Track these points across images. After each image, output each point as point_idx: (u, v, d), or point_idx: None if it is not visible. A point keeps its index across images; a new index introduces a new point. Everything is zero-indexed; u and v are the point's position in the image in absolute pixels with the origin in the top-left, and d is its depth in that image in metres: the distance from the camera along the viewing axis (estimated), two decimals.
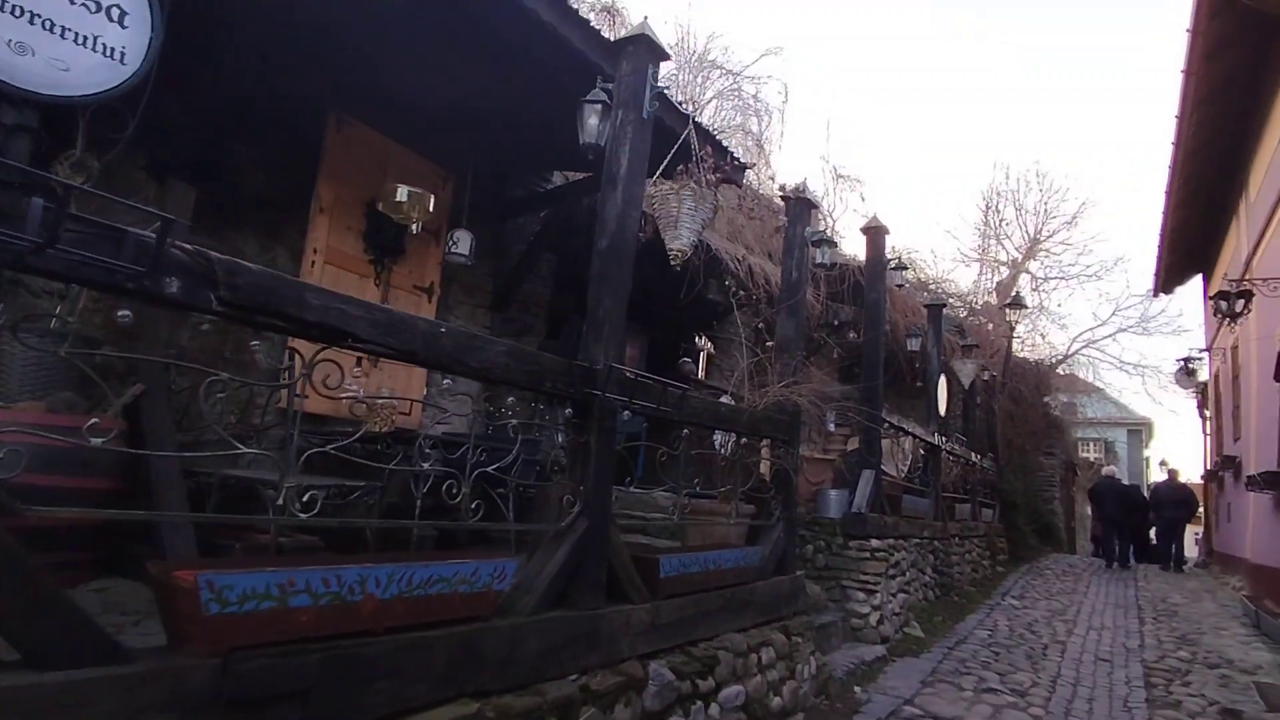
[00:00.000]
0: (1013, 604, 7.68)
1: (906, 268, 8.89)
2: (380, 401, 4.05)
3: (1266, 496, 7.47)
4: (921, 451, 8.44)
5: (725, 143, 5.03)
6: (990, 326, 15.55)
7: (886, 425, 7.15)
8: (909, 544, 6.79)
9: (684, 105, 4.42)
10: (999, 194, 18.21)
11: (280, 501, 1.78)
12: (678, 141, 3.67)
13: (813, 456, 7.02)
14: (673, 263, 3.42)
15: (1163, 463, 25.71)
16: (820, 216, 11.88)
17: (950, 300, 14.08)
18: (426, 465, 2.19)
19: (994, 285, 17.67)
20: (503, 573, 2.24)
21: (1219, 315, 8.21)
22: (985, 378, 11.32)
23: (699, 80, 8.60)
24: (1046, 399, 16.82)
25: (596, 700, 2.43)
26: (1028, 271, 17.76)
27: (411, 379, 5.37)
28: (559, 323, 6.96)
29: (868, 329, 7.03)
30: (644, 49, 3.03)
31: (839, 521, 5.90)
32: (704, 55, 7.78)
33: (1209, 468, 13.51)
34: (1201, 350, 13.17)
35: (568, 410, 2.67)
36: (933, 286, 14.33)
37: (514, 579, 2.36)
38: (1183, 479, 13.88)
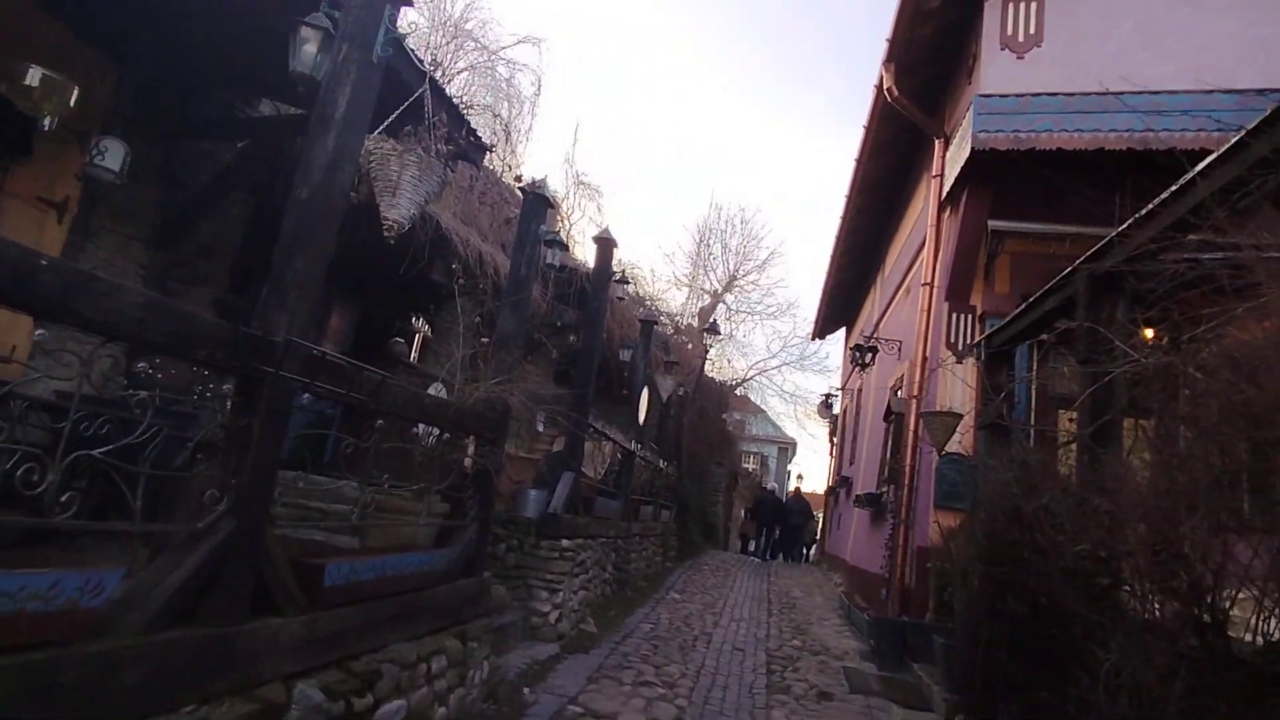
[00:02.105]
0: (675, 598, 8.49)
1: (629, 282, 9.39)
2: None
3: (865, 512, 9.35)
4: (619, 456, 8.96)
5: (470, 120, 4.77)
6: (690, 347, 17.22)
7: (592, 430, 7.44)
8: (596, 543, 7.13)
9: (432, 68, 4.06)
10: (711, 229, 20.42)
11: None
12: (410, 99, 3.34)
13: (518, 455, 7.01)
14: (386, 233, 3.08)
15: (799, 476, 30.90)
16: (559, 218, 12.06)
17: (661, 318, 15.28)
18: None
19: (698, 310, 19.71)
20: (98, 586, 1.75)
21: (853, 363, 10.11)
22: (680, 393, 12.47)
23: (452, 47, 8.06)
24: (724, 416, 19.16)
25: None
26: (724, 302, 20.17)
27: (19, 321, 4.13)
28: (249, 277, 5.97)
29: (587, 336, 7.25)
30: None
31: (534, 521, 5.94)
32: (460, 23, 7.31)
33: (830, 484, 16.55)
34: (838, 389, 16.11)
35: (228, 386, 2.21)
36: (648, 303, 15.40)
37: (118, 592, 1.86)
38: (806, 491, 19.92)
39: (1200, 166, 2.64)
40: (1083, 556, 2.69)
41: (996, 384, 4.94)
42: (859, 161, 9.10)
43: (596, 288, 7.07)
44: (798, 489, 19.21)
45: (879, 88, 7.14)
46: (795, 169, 59.98)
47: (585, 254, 10.03)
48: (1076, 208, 4.30)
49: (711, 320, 17.55)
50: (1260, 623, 2.14)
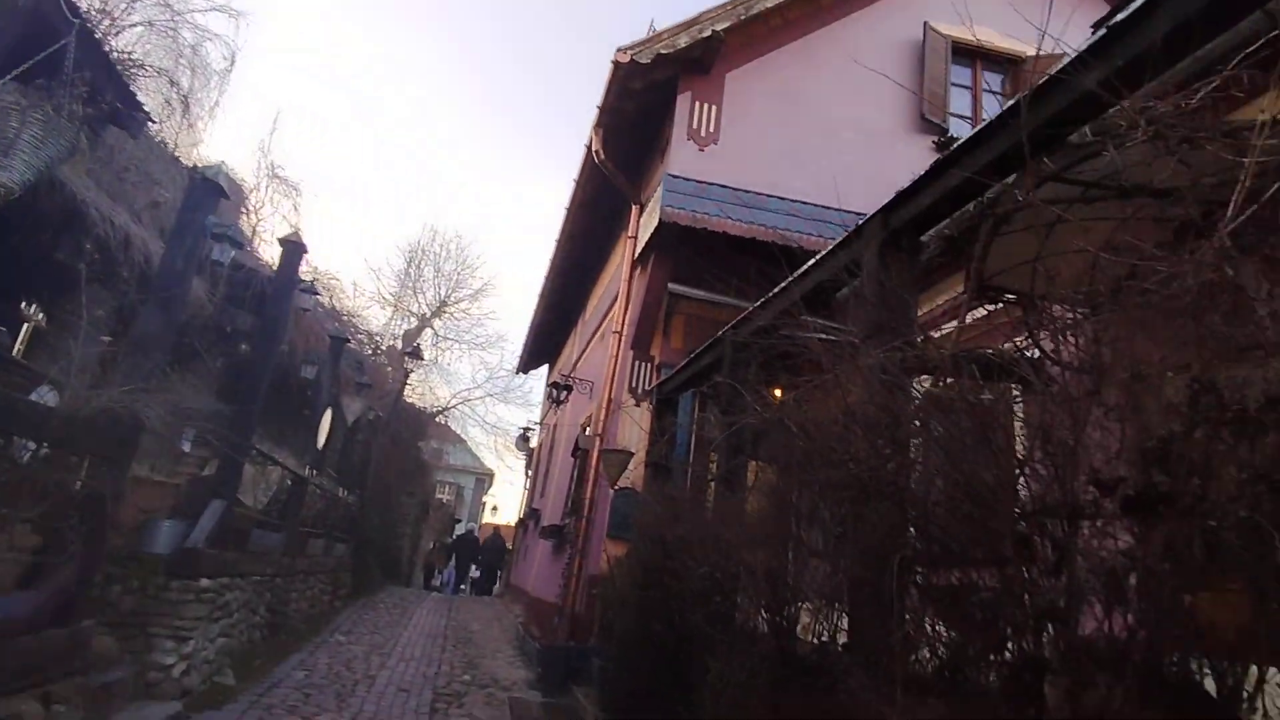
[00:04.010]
0: (340, 640, 7.84)
1: (319, 293, 8.66)
2: None
3: (549, 543, 9.72)
4: (289, 483, 8.08)
5: (136, 83, 4.07)
6: (390, 369, 16.36)
7: (255, 452, 6.61)
8: (247, 582, 6.29)
9: (93, 17, 3.42)
10: (424, 251, 19.83)
11: None
12: (53, 48, 2.78)
13: (151, 479, 5.92)
14: None
15: (494, 508, 30.96)
16: (246, 212, 10.66)
17: (359, 336, 14.30)
18: None
19: (402, 332, 18.85)
20: None
21: (550, 399, 10.57)
22: (371, 417, 11.72)
23: None
24: (421, 444, 18.44)
25: None
26: (432, 327, 19.61)
27: None
28: None
29: (260, 346, 6.50)
30: None
31: (165, 558, 5.05)
32: None
33: (521, 517, 16.89)
34: (537, 423, 16.63)
35: None
36: (345, 318, 14.33)
37: None
38: (499, 524, 21.26)
39: (804, 268, 3.37)
40: (704, 579, 3.17)
41: (662, 427, 5.59)
42: (569, 210, 9.69)
43: (277, 294, 6.41)
44: (496, 528, 20.43)
45: (589, 148, 7.75)
46: (516, 206, 61.37)
47: (276, 256, 9.02)
48: (735, 282, 5.14)
49: (415, 345, 16.92)
50: (816, 627, 2.74)
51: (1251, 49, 1.92)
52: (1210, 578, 1.31)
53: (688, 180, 6.36)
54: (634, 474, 6.62)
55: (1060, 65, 1.99)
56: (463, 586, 18.14)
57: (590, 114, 7.49)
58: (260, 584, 6.68)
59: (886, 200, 2.82)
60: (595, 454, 7.36)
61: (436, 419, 20.63)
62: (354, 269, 32.93)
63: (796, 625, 2.78)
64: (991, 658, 1.50)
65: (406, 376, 16.21)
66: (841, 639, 2.61)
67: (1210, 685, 1.34)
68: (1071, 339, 1.87)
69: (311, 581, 8.75)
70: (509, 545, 18.38)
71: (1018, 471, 1.53)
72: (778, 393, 4.68)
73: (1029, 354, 2.09)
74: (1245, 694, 1.29)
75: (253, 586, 6.45)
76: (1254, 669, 1.28)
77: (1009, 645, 1.49)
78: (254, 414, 6.06)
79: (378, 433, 13.09)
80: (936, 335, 2.81)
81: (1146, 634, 1.33)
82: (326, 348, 9.21)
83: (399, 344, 17.68)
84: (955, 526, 1.79)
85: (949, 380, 2.21)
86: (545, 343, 15.89)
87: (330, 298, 12.77)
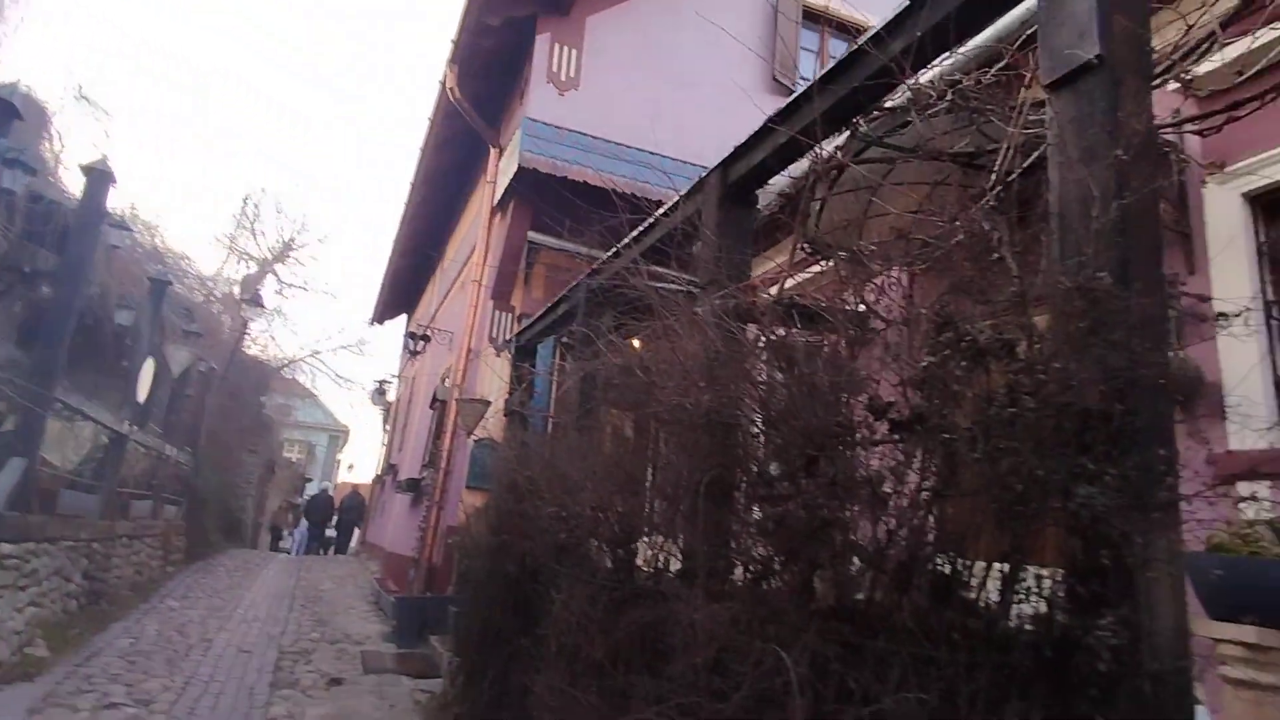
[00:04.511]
0: (172, 605, 7.32)
1: (133, 229, 7.76)
2: None
3: (406, 497, 9.51)
4: (105, 440, 7.31)
5: None
6: (226, 318, 15.03)
7: (60, 406, 5.91)
8: (58, 547, 5.69)
9: None
10: (264, 190, 18.13)
11: None
12: None
13: None
14: None
15: (350, 466, 29.67)
16: (48, 137, 9.19)
17: (187, 280, 12.99)
18: None
19: (240, 277, 17.27)
20: None
21: (408, 350, 10.20)
22: (202, 368, 10.78)
23: None
24: (263, 399, 17.20)
25: None
26: (275, 273, 18.10)
27: None
28: None
29: (63, 287, 5.76)
30: None
31: None
32: None
33: (378, 473, 16.33)
34: (394, 376, 15.99)
35: None
36: (171, 260, 12.92)
37: None
38: (356, 482, 20.48)
39: (652, 219, 3.48)
40: (552, 518, 3.28)
41: (521, 376, 5.60)
42: (424, 151, 9.21)
43: (81, 228, 5.69)
44: (355, 488, 19.77)
45: (443, 84, 7.38)
46: (372, 149, 57.26)
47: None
48: (597, 233, 5.18)
49: (255, 291, 15.61)
50: (656, 558, 2.94)
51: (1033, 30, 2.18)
52: (956, 488, 1.56)
53: (547, 125, 6.25)
54: (494, 424, 6.60)
55: (868, 35, 2.16)
56: (320, 549, 17.29)
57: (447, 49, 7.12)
58: (74, 549, 6.07)
59: (726, 155, 2.96)
60: (453, 404, 7.24)
61: (282, 372, 19.25)
62: (186, 209, 29.43)
63: (636, 557, 2.96)
64: (787, 566, 1.70)
65: (245, 326, 14.95)
66: (677, 567, 2.82)
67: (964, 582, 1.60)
68: (878, 290, 2.09)
69: (137, 546, 8.04)
70: (367, 504, 17.79)
71: (815, 404, 1.72)
72: (636, 343, 4.84)
73: (852, 305, 2.32)
74: (980, 583, 1.56)
75: (65, 552, 5.85)
76: (989, 564, 1.55)
77: (799, 555, 1.70)
78: (57, 362, 5.41)
79: (211, 386, 12.05)
80: (773, 288, 3.03)
81: (907, 536, 1.58)
82: (146, 291, 8.29)
83: (237, 291, 16.21)
84: (769, 458, 1.98)
85: (772, 327, 2.41)
86: (403, 291, 15.16)
87: (153, 236, 11.46)
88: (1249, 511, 2.68)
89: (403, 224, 11.69)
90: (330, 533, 18.04)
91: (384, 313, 16.64)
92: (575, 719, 2.49)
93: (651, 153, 5.99)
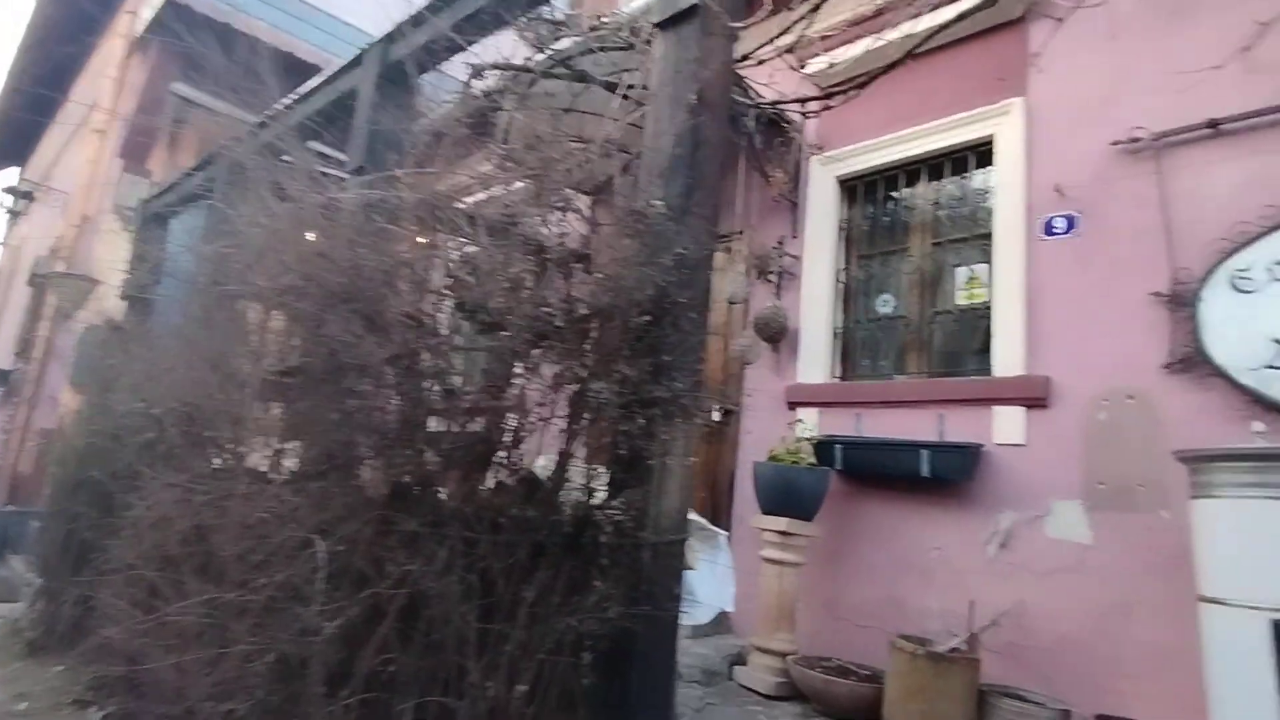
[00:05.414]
0: None
1: None
2: None
3: None
4: None
5: None
6: None
7: None
8: None
9: None
10: None
11: None
12: None
13: None
14: None
15: None
16: None
17: None
18: None
19: None
20: None
21: (8, 210, 7.96)
22: None
23: None
24: None
25: None
26: None
27: None
28: None
29: None
30: None
31: None
32: None
33: None
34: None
35: None
36: None
37: None
38: None
39: (307, 88, 3.10)
40: (146, 418, 2.84)
41: (148, 254, 4.71)
42: None
43: None
44: None
45: None
46: None
47: None
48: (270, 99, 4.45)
49: None
50: (266, 459, 2.71)
51: None
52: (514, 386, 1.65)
53: None
54: (117, 310, 5.50)
55: None
56: None
57: None
58: None
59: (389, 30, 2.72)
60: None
61: None
62: None
63: (244, 458, 2.70)
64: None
65: None
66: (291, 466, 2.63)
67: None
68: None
69: None
70: None
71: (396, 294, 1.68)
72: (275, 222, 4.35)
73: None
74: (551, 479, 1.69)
75: None
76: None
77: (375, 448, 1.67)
78: None
79: None
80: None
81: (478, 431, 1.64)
82: None
83: None
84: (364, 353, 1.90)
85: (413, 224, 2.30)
86: (17, 137, 11.64)
87: None
88: (802, 431, 3.34)
89: (21, 51, 8.89)
90: None
91: None
92: (135, 630, 2.23)
93: (340, 20, 5.30)
